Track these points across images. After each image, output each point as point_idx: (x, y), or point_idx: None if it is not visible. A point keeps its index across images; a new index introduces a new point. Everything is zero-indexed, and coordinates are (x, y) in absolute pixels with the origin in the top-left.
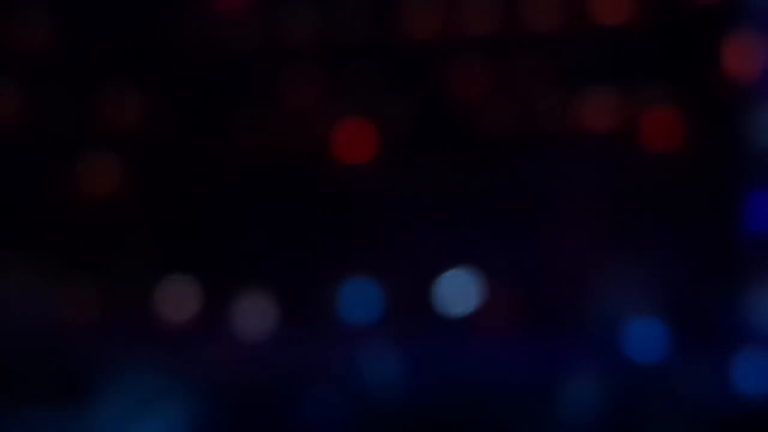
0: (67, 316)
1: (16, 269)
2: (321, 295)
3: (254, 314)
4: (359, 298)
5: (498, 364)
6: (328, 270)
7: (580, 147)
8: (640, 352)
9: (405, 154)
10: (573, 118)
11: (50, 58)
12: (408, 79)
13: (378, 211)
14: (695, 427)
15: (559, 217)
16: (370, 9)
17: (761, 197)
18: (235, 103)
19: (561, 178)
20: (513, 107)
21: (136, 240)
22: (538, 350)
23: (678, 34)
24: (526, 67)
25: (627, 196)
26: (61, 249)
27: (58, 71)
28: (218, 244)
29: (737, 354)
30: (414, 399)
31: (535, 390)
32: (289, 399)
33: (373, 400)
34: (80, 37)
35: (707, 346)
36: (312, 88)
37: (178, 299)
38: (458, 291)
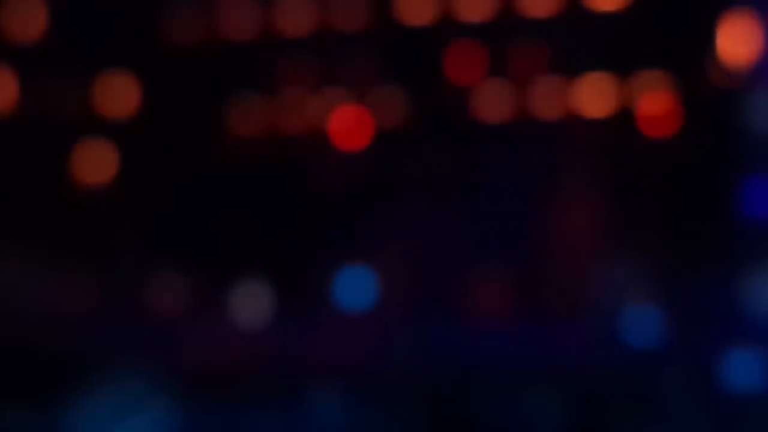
0: (62, 307)
1: (8, 259)
2: (317, 283)
3: (250, 303)
4: (355, 286)
5: (495, 351)
6: (323, 258)
7: (577, 133)
8: (637, 339)
9: (401, 141)
10: (569, 104)
11: (44, 46)
12: (404, 65)
13: (374, 198)
14: (691, 414)
15: (556, 204)
16: None
17: (759, 183)
18: (231, 90)
19: (557, 163)
20: (509, 93)
21: (130, 229)
22: (535, 337)
23: (674, 18)
24: (522, 53)
25: (623, 181)
26: (55, 238)
27: (52, 59)
28: (213, 232)
29: (734, 341)
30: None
31: (531, 376)
32: (286, 387)
33: (368, 386)
34: (75, 24)
35: (704, 334)
36: (307, 75)
37: (173, 289)
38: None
